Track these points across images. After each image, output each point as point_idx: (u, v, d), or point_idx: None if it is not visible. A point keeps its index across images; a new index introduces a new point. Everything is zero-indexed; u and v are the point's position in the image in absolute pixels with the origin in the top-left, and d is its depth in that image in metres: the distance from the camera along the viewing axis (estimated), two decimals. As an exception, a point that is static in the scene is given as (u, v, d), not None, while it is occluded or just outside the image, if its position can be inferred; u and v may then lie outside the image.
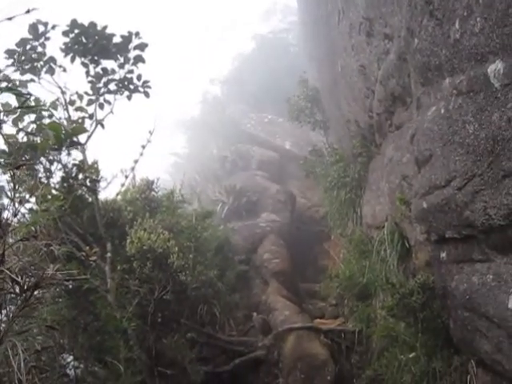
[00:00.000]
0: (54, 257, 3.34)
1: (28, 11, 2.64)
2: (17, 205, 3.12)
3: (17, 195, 3.18)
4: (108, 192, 7.28)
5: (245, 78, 26.39)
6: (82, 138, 6.27)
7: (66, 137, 3.66)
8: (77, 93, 6.55)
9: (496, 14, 3.40)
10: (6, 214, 2.99)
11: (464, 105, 4.02)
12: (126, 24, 7.24)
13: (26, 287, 2.51)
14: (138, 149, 7.22)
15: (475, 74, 3.83)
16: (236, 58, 29.51)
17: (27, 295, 2.53)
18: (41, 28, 6.14)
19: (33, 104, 3.17)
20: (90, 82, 6.74)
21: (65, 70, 6.54)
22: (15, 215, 3.01)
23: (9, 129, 3.96)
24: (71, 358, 5.28)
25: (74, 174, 6.23)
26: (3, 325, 2.65)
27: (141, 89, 6.99)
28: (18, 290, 2.54)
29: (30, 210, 3.73)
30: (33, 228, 3.00)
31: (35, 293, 2.55)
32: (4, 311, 2.77)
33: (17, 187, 3.17)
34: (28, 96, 3.14)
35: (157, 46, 7.68)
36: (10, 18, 2.54)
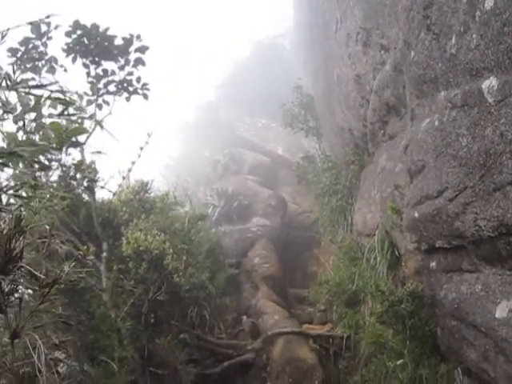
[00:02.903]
0: (57, 255, 3.39)
1: (48, 16, 2.69)
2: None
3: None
4: (103, 192, 7.32)
5: (240, 82, 26.44)
6: (81, 137, 6.33)
7: (68, 136, 3.71)
8: (77, 93, 6.60)
9: (492, 32, 3.50)
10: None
11: (458, 118, 4.11)
12: (128, 26, 7.27)
13: (44, 283, 2.56)
14: (135, 150, 7.27)
15: (470, 88, 3.92)
16: (232, 62, 29.54)
17: (45, 291, 2.58)
18: (43, 28, 6.19)
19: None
20: (89, 82, 6.79)
21: (66, 70, 6.59)
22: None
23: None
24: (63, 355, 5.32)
25: (72, 174, 6.28)
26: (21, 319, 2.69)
27: (140, 91, 7.06)
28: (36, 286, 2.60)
29: (28, 205, 3.76)
30: (47, 226, 3.05)
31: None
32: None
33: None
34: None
35: (156, 49, 7.72)
36: (30, 23, 2.58)
